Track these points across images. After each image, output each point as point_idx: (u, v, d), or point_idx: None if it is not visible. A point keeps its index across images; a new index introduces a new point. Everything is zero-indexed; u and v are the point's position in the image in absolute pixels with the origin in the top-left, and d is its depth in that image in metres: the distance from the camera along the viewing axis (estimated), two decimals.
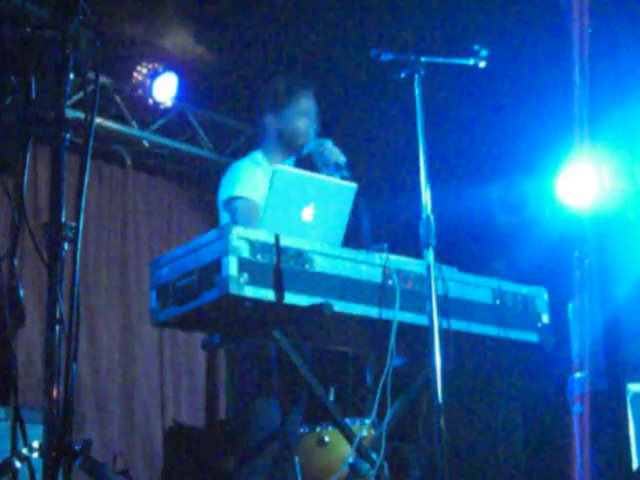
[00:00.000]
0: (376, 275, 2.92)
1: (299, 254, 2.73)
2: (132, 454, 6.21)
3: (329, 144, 3.47)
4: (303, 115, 3.59)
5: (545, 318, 3.37)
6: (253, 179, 3.43)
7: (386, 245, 3.00)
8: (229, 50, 5.89)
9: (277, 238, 2.70)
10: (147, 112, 6.59)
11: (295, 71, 3.66)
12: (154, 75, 6.21)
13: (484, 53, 3.19)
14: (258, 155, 3.61)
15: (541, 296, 3.39)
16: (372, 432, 4.87)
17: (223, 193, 3.45)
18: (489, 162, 6.71)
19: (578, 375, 4.01)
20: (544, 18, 5.07)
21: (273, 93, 3.65)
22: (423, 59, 3.13)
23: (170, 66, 6.21)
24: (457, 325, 3.10)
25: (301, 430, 4.23)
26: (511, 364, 6.31)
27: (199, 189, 7.22)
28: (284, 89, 3.63)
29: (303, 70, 5.42)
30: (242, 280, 2.58)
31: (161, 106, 6.45)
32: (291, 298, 2.69)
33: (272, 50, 5.79)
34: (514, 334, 3.29)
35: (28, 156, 2.24)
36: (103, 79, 6.10)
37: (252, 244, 2.64)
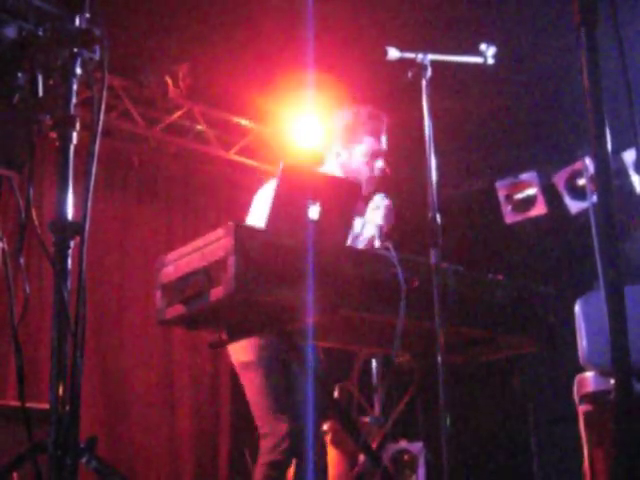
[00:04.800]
0: (382, 274, 2.90)
1: (304, 252, 2.71)
2: (138, 452, 6.22)
3: (384, 205, 3.44)
4: (368, 157, 3.56)
5: (552, 317, 3.35)
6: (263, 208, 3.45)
7: (391, 244, 2.98)
8: (239, 48, 5.88)
9: (284, 237, 2.69)
10: (154, 110, 6.60)
11: (374, 106, 3.60)
12: (162, 73, 6.21)
13: (491, 51, 3.17)
14: None
15: (548, 294, 3.38)
16: (378, 430, 4.87)
17: None
18: (498, 160, 6.70)
19: (586, 374, 3.99)
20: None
21: (343, 126, 3.61)
22: (430, 57, 3.10)
23: (179, 64, 6.21)
24: (463, 324, 3.09)
25: None
26: (519, 363, 6.29)
27: (206, 188, 7.21)
28: (354, 124, 3.58)
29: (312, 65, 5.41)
30: (248, 279, 2.57)
31: (169, 104, 6.45)
32: (296, 297, 2.67)
33: (280, 51, 5.78)
34: (521, 332, 3.28)
35: (35, 154, 2.23)
36: (110, 77, 6.10)
37: (259, 243, 2.62)
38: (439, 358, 2.79)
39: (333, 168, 3.65)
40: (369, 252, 2.95)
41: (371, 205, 3.48)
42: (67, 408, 1.97)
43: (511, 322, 3.23)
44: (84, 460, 1.98)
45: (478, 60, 3.18)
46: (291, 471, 3.42)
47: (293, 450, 3.28)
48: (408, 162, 7.23)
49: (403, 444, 5.68)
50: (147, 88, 6.25)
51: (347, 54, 5.69)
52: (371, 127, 3.57)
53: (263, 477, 3.30)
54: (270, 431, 3.31)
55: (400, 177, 7.54)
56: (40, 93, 2.20)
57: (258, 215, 3.45)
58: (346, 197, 3.00)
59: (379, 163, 3.59)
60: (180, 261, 2.79)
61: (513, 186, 5.81)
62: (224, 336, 3.04)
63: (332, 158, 3.66)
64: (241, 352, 3.41)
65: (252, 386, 3.40)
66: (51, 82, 2.22)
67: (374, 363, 5.74)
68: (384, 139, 3.62)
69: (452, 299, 2.99)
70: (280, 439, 3.27)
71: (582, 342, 3.99)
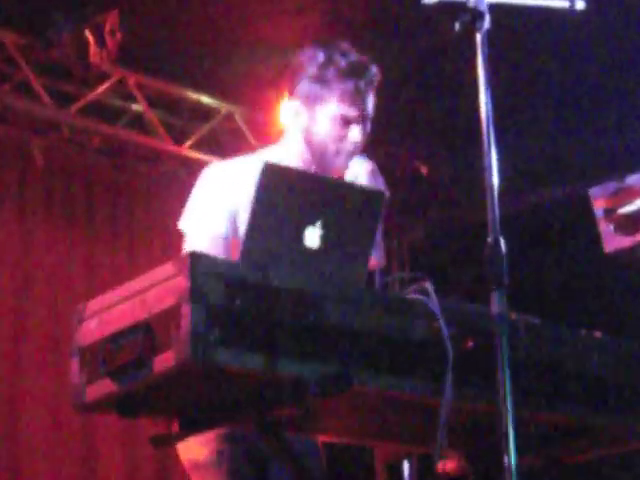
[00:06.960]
0: (416, 330, 2.90)
1: (300, 298, 2.70)
2: None
3: (365, 172, 3.51)
4: (337, 122, 3.58)
5: None
6: (214, 201, 3.50)
7: (428, 282, 2.97)
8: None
9: (266, 274, 2.67)
10: (68, 82, 6.63)
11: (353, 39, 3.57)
12: (80, 25, 6.23)
13: None
14: (262, 155, 3.64)
15: None
16: None
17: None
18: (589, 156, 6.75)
19: None
20: None
21: (304, 75, 3.61)
22: None
23: (104, 13, 6.24)
24: (542, 406, 3.07)
25: None
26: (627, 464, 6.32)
27: (147, 200, 7.24)
28: (320, 74, 3.57)
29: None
30: (212, 338, 2.56)
31: (89, 73, 6.47)
32: (287, 366, 2.67)
33: None
34: (630, 418, 3.29)
35: None
36: (0, 32, 6.12)
37: (228, 283, 2.62)
38: (506, 459, 2.77)
39: (292, 135, 3.69)
40: (397, 297, 2.93)
41: (348, 175, 3.55)
42: None
43: (615, 402, 3.25)
44: None
45: (563, 4, 3.18)
46: None
47: None
48: (450, 159, 7.29)
49: None
50: (57, 48, 6.27)
51: None
52: (345, 82, 3.56)
53: None
54: None
55: (438, 180, 7.59)
56: None
57: (198, 222, 3.50)
58: (363, 214, 2.98)
59: (353, 132, 3.59)
60: (108, 312, 2.78)
61: (616, 194, 5.80)
62: (175, 427, 3.02)
63: (289, 118, 3.68)
64: (194, 446, 3.42)
65: None
66: None
67: (406, 466, 5.73)
68: (369, 98, 3.61)
69: (525, 367, 2.97)
70: None
71: None
